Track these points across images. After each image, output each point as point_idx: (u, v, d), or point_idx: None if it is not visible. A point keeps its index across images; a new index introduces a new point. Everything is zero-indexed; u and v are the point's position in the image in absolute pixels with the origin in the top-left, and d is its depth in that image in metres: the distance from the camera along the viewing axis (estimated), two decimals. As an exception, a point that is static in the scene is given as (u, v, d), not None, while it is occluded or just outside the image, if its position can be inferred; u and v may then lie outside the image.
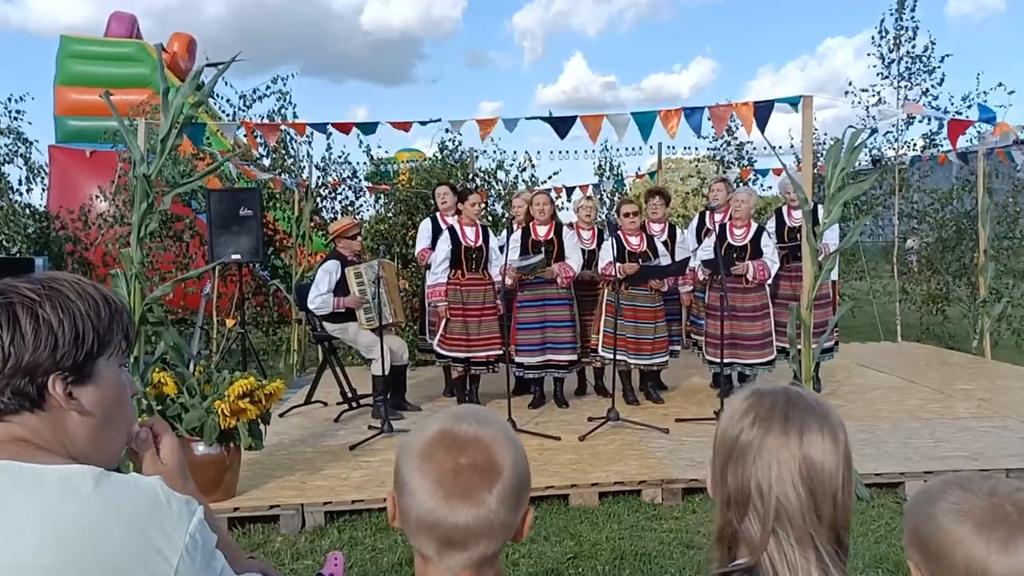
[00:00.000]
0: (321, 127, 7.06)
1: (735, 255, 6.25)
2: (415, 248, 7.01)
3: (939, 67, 10.24)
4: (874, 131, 10.04)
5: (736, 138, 11.72)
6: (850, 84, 10.74)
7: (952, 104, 10.28)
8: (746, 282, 6.24)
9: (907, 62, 10.32)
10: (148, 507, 1.01)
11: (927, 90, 10.31)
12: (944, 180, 10.87)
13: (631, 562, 3.70)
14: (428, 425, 1.07)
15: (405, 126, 6.75)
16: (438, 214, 6.86)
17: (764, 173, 10.92)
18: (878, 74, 10.52)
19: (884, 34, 10.38)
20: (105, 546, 0.97)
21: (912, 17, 10.21)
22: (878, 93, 10.50)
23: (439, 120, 6.72)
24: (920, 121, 10.23)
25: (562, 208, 9.45)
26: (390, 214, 9.32)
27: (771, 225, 6.75)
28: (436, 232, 6.53)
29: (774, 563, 1.11)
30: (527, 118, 6.54)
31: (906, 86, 10.34)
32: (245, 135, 9.48)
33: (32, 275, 1.13)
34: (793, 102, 5.67)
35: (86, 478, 1.01)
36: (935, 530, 1.09)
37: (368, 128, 6.86)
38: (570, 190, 10.59)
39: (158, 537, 0.99)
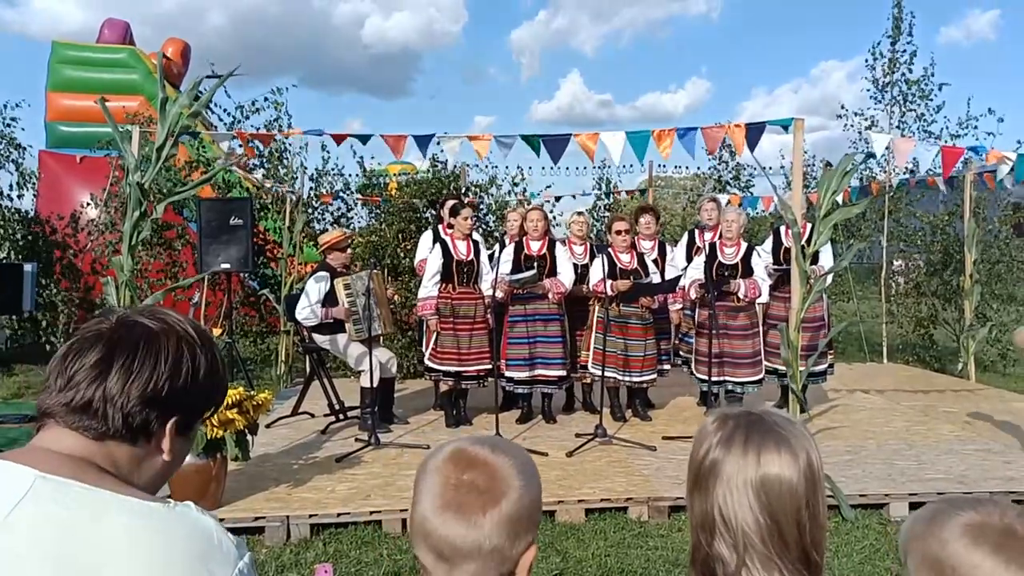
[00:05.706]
0: (317, 133, 7.04)
1: (726, 273, 6.28)
2: (408, 259, 6.98)
3: (936, 94, 10.24)
4: (870, 155, 10.01)
5: (733, 159, 11.74)
6: (843, 107, 10.82)
7: (947, 129, 10.32)
8: (737, 300, 6.27)
9: (902, 87, 10.35)
10: (202, 545, 1.02)
11: (921, 115, 10.35)
12: (932, 204, 10.94)
13: (616, 579, 3.71)
14: (451, 443, 1.10)
15: (399, 141, 6.74)
16: (440, 226, 6.82)
17: (755, 202, 10.93)
18: (871, 97, 10.58)
19: (879, 57, 10.43)
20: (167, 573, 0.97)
21: (909, 41, 10.26)
22: (871, 117, 10.55)
23: (432, 135, 6.72)
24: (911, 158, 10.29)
25: (556, 224, 9.51)
26: (382, 225, 9.33)
27: (768, 244, 6.76)
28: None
29: None
30: (522, 136, 6.57)
31: (900, 112, 10.38)
32: (241, 145, 9.48)
33: (186, 316, 1.15)
34: (785, 124, 5.74)
35: (158, 506, 1.02)
36: (951, 555, 1.08)
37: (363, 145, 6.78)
38: (559, 198, 10.66)
39: (205, 574, 1.00)
